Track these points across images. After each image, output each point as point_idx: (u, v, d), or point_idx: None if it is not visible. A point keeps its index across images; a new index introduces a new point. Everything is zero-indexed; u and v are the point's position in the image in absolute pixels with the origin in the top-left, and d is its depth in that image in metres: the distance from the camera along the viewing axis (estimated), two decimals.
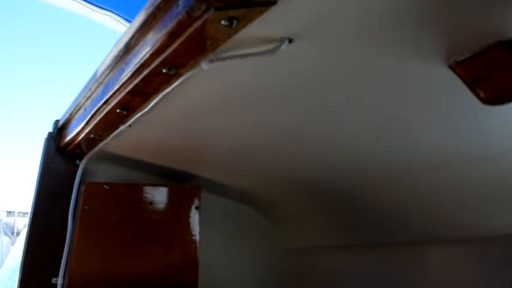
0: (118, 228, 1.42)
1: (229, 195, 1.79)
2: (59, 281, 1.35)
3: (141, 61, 0.84)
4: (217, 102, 1.02)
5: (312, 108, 1.03)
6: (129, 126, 1.16)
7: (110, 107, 1.05)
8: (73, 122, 1.33)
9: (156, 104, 1.00)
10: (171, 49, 0.76)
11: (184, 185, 1.58)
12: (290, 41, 0.73)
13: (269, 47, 0.73)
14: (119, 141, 1.29)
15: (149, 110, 1.03)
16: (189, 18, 0.68)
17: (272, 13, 0.65)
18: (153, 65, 0.82)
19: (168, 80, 0.87)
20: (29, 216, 1.42)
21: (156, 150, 1.41)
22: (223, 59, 0.77)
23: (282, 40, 0.73)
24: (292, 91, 0.94)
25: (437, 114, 0.96)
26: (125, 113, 1.06)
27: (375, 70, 0.82)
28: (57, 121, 1.47)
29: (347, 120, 1.06)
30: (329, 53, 0.78)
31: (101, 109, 1.09)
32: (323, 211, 1.71)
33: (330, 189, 1.54)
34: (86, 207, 1.37)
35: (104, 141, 1.29)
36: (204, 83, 0.91)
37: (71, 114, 1.32)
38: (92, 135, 1.24)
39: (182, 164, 1.54)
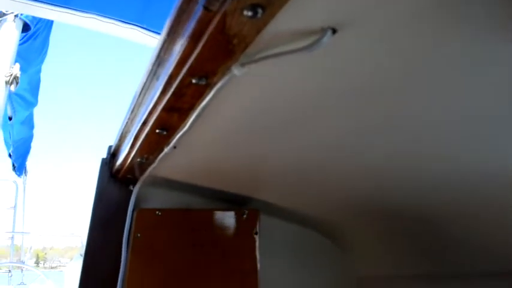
0: (171, 256, 1.34)
1: (291, 218, 1.64)
2: None
3: (170, 73, 0.75)
4: (261, 114, 0.90)
5: (376, 114, 0.87)
6: (174, 147, 1.08)
7: (148, 127, 0.97)
8: (122, 147, 1.28)
9: (194, 121, 0.90)
10: (195, 54, 0.66)
11: (241, 209, 1.47)
12: (334, 31, 0.59)
13: (308, 41, 0.60)
14: (168, 164, 1.22)
15: (189, 128, 0.94)
16: (208, 14, 0.58)
17: None
18: (180, 76, 0.73)
19: (200, 92, 0.77)
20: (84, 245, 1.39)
21: (208, 172, 1.32)
22: (256, 60, 0.65)
23: (323, 31, 0.59)
24: (347, 95, 0.80)
25: None
26: (165, 133, 0.98)
27: (445, 59, 0.65)
28: (110, 147, 1.44)
29: (423, 126, 0.88)
30: (385, 43, 0.63)
31: (142, 131, 1.02)
32: (401, 235, 1.50)
33: (409, 211, 1.34)
34: (138, 235, 1.31)
35: (153, 165, 1.23)
36: (242, 94, 0.80)
37: (120, 138, 1.28)
38: (138, 159, 1.18)
39: (237, 186, 1.43)
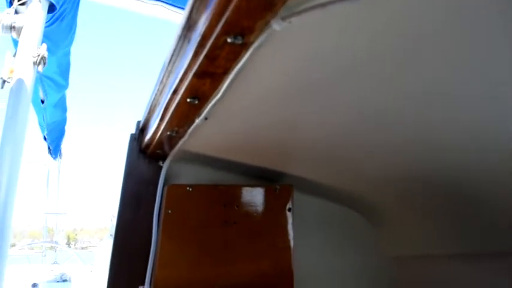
0: (202, 233, 1.31)
1: (324, 195, 1.58)
2: None
3: (202, 33, 0.69)
4: (302, 79, 0.84)
5: (416, 81, 0.80)
6: (206, 119, 1.03)
7: (179, 96, 0.93)
8: (151, 120, 1.25)
9: (228, 87, 0.85)
10: (231, 8, 0.60)
11: (274, 184, 1.42)
12: None
13: None
14: (198, 138, 1.18)
15: (222, 96, 0.89)
16: None
17: None
18: (214, 35, 0.67)
19: (236, 53, 0.72)
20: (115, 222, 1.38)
21: (240, 146, 1.27)
22: (298, 13, 0.59)
23: None
24: (393, 56, 0.73)
25: None
26: (196, 102, 0.93)
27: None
28: (139, 122, 1.41)
29: (463, 95, 0.81)
30: None
31: (172, 101, 0.97)
32: (438, 212, 1.43)
33: (448, 186, 1.27)
34: (169, 211, 1.28)
35: (183, 139, 1.19)
36: (282, 55, 0.74)
37: (149, 112, 1.24)
38: (168, 133, 1.14)
39: (270, 161, 1.38)
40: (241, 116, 1.04)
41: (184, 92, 0.90)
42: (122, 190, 1.37)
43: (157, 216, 1.31)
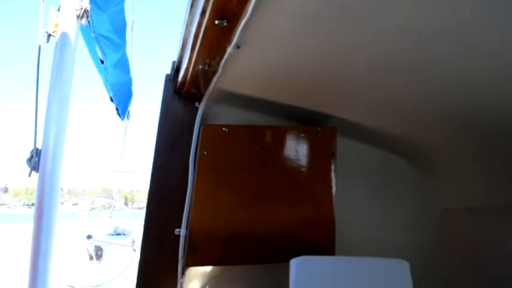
0: (239, 176, 1.25)
1: (369, 139, 1.47)
2: (182, 232, 1.24)
3: None
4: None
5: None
6: (238, 47, 0.95)
7: (207, 18, 0.84)
8: (184, 56, 1.18)
9: (258, 5, 0.76)
10: None
11: (316, 127, 1.32)
12: None
13: None
14: (233, 72, 1.10)
15: (252, 16, 0.80)
16: None
17: None
18: None
19: None
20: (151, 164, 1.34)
21: (277, 82, 1.18)
22: None
23: None
24: None
25: None
26: (225, 23, 0.84)
27: None
28: (174, 62, 1.35)
29: None
30: None
31: (201, 25, 0.89)
32: (492, 159, 1.28)
33: (505, 130, 1.12)
34: (205, 152, 1.23)
35: (217, 74, 1.11)
36: None
37: (182, 47, 1.17)
38: (200, 66, 1.06)
39: (310, 100, 1.28)
40: (276, 42, 0.94)
41: (212, 12, 0.81)
42: (158, 133, 1.33)
43: (193, 158, 1.26)
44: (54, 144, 2.39)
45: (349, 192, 1.39)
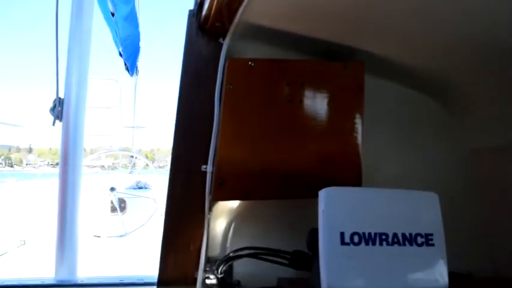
0: (266, 111, 1.23)
1: (397, 77, 1.42)
2: (208, 168, 1.25)
3: None
4: None
5: None
6: None
7: None
8: None
9: None
10: None
11: (343, 62, 1.28)
12: None
13: None
14: (258, 3, 1.07)
15: None
16: None
17: None
18: None
19: None
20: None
21: (304, 12, 1.13)
22: None
23: None
24: None
25: None
26: None
27: None
28: None
29: None
30: None
31: None
32: None
33: None
34: (230, 86, 1.21)
35: (242, 5, 1.08)
36: None
37: None
38: None
39: (337, 33, 1.23)
40: None
41: None
42: (182, 69, 1.31)
43: (219, 94, 1.25)
44: (76, 93, 2.40)
45: (376, 132, 1.37)
